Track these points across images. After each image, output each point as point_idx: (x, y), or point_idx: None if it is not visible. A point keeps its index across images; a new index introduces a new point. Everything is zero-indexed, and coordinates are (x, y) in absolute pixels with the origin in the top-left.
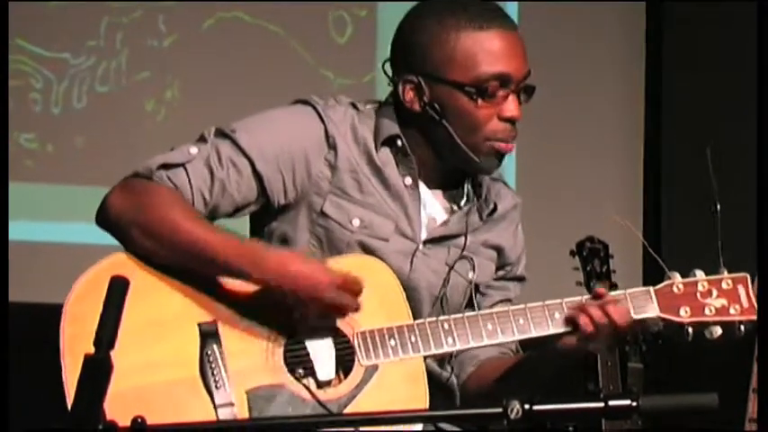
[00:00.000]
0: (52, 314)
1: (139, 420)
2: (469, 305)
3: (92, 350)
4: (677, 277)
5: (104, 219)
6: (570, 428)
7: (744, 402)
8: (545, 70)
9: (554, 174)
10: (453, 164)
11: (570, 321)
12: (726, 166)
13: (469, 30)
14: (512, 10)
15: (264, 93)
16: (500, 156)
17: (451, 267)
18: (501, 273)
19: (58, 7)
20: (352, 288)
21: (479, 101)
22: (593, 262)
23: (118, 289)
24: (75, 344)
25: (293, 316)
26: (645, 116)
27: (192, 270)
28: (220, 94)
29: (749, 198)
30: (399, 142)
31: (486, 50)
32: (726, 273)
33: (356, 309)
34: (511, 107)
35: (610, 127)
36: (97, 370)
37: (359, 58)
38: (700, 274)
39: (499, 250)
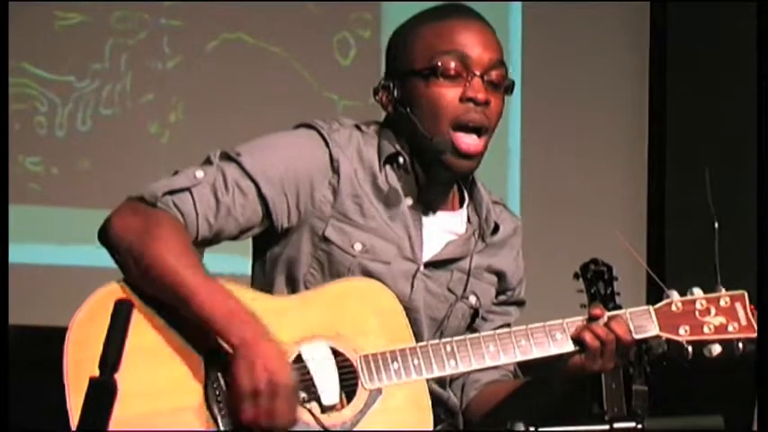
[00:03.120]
0: (57, 337)
1: None
2: (470, 330)
3: (95, 374)
4: (675, 295)
5: (105, 240)
6: None
7: (748, 424)
8: (548, 76)
9: (558, 193)
10: (432, 163)
11: (576, 340)
12: (733, 176)
13: (429, 23)
14: (515, 10)
15: (269, 115)
16: (464, 155)
17: (460, 297)
18: (503, 297)
19: (63, 30)
20: (293, 400)
21: (434, 80)
22: (598, 284)
23: (122, 312)
24: (78, 368)
25: (235, 388)
26: (649, 126)
27: (173, 309)
28: (224, 116)
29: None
30: (401, 159)
31: (441, 35)
32: (723, 290)
33: (284, 421)
34: (474, 88)
35: (614, 139)
36: (102, 392)
37: (363, 80)
38: (698, 292)
39: (501, 275)
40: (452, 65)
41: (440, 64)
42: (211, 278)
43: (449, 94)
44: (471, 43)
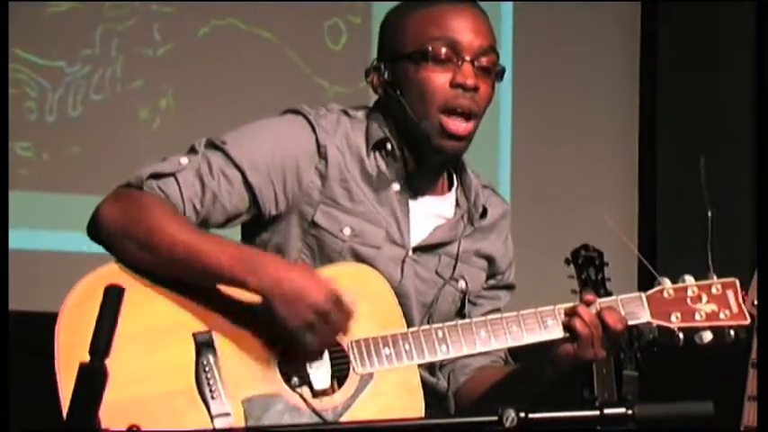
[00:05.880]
0: (46, 322)
1: (135, 429)
2: (460, 315)
3: (86, 358)
4: (667, 283)
5: (97, 231)
6: None
7: (739, 410)
8: (539, 75)
9: (549, 181)
10: (421, 146)
11: (567, 327)
12: (722, 169)
13: (421, 7)
14: (506, 10)
15: (259, 101)
16: (453, 136)
17: (448, 280)
18: (492, 282)
19: (54, 15)
20: (346, 308)
21: (424, 64)
22: (589, 270)
23: (113, 297)
24: (69, 352)
25: (287, 331)
26: (640, 121)
27: (189, 280)
28: (215, 102)
29: (745, 201)
30: (389, 145)
31: (433, 20)
32: (715, 278)
33: (345, 330)
34: (464, 74)
35: (604, 133)
36: (92, 378)
37: (354, 66)
38: (689, 279)
39: (490, 259)
40: (443, 50)
41: (430, 48)
42: (216, 235)
43: (438, 78)
44: (462, 29)
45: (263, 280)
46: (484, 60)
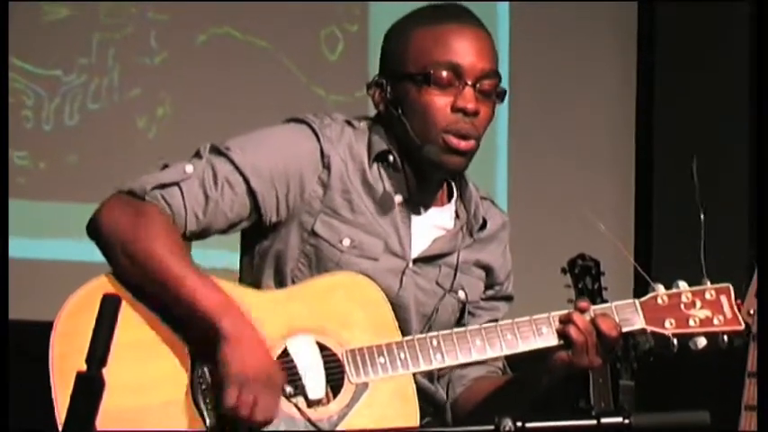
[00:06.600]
0: (42, 331)
1: None
2: (459, 325)
3: (82, 367)
4: (661, 289)
5: (94, 233)
6: None
7: (735, 420)
8: (536, 76)
9: (545, 190)
10: (423, 165)
11: (561, 334)
12: (719, 173)
13: (425, 26)
14: (503, 11)
15: (257, 110)
16: (455, 151)
17: (448, 291)
18: (490, 292)
19: (50, 24)
20: (271, 399)
21: (426, 87)
22: (585, 279)
23: (110, 306)
24: (64, 361)
25: (221, 372)
26: (636, 126)
27: (168, 304)
28: (212, 111)
29: (742, 205)
30: (390, 157)
31: (436, 41)
32: (709, 284)
33: (265, 419)
34: (465, 98)
35: (601, 137)
36: (89, 388)
37: (351, 75)
38: (683, 285)
39: (489, 270)
40: (444, 74)
41: (432, 72)
42: (200, 270)
43: (439, 101)
44: (465, 51)
45: (232, 324)
46: (486, 84)
